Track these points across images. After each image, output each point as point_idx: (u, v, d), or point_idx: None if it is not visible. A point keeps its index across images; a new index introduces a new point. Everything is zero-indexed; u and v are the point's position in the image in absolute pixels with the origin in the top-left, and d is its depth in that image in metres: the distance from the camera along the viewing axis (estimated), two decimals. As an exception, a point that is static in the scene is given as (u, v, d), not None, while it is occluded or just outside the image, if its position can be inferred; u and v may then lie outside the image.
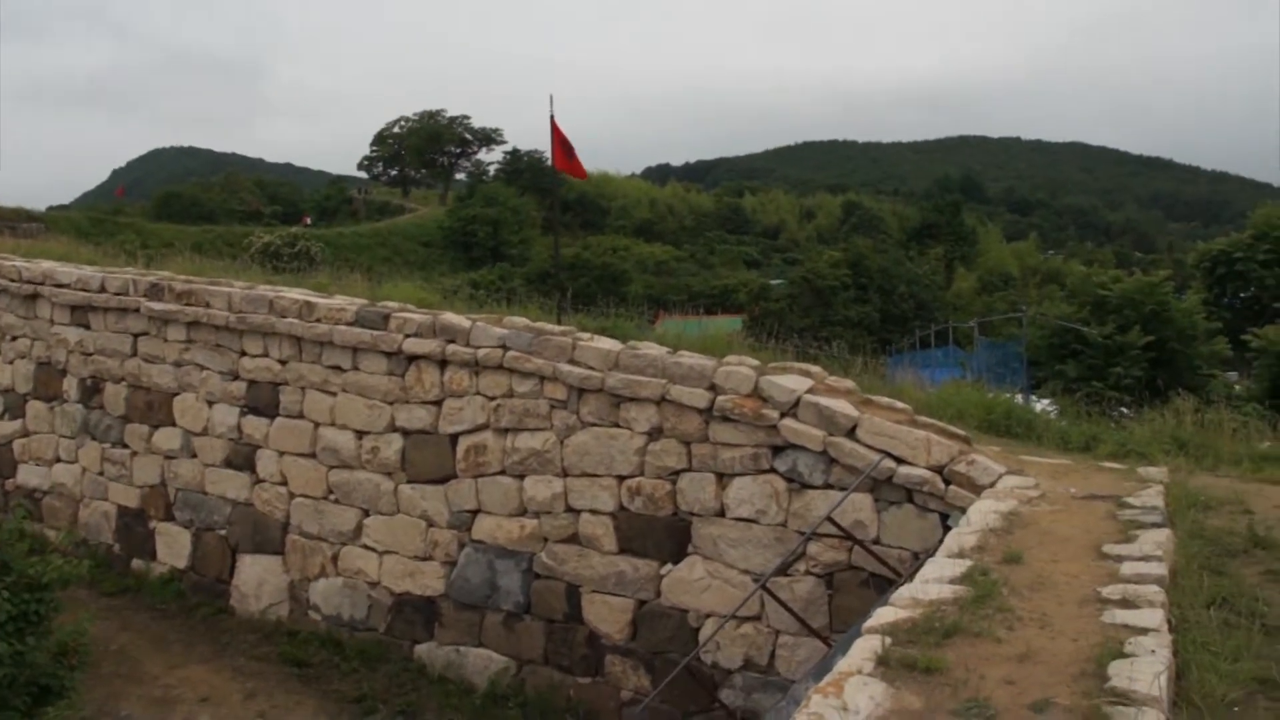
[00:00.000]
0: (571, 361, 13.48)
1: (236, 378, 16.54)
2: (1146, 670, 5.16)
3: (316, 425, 15.76)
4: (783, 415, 11.96)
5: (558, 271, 29.81)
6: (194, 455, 17.01)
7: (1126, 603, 6.39)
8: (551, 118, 17.56)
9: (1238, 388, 25.69)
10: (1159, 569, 7.04)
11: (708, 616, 12.60)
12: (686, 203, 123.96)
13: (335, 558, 15.62)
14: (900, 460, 11.19)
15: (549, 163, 20.44)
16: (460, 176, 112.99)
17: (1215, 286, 31.23)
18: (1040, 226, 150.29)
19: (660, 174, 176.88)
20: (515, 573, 14.05)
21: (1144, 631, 5.83)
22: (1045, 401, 20.03)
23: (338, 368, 15.51)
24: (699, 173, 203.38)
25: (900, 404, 12.07)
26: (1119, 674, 5.19)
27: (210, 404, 16.82)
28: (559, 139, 17.54)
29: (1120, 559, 7.41)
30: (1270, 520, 9.33)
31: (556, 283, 22.81)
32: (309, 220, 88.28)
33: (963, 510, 9.85)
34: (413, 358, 14.79)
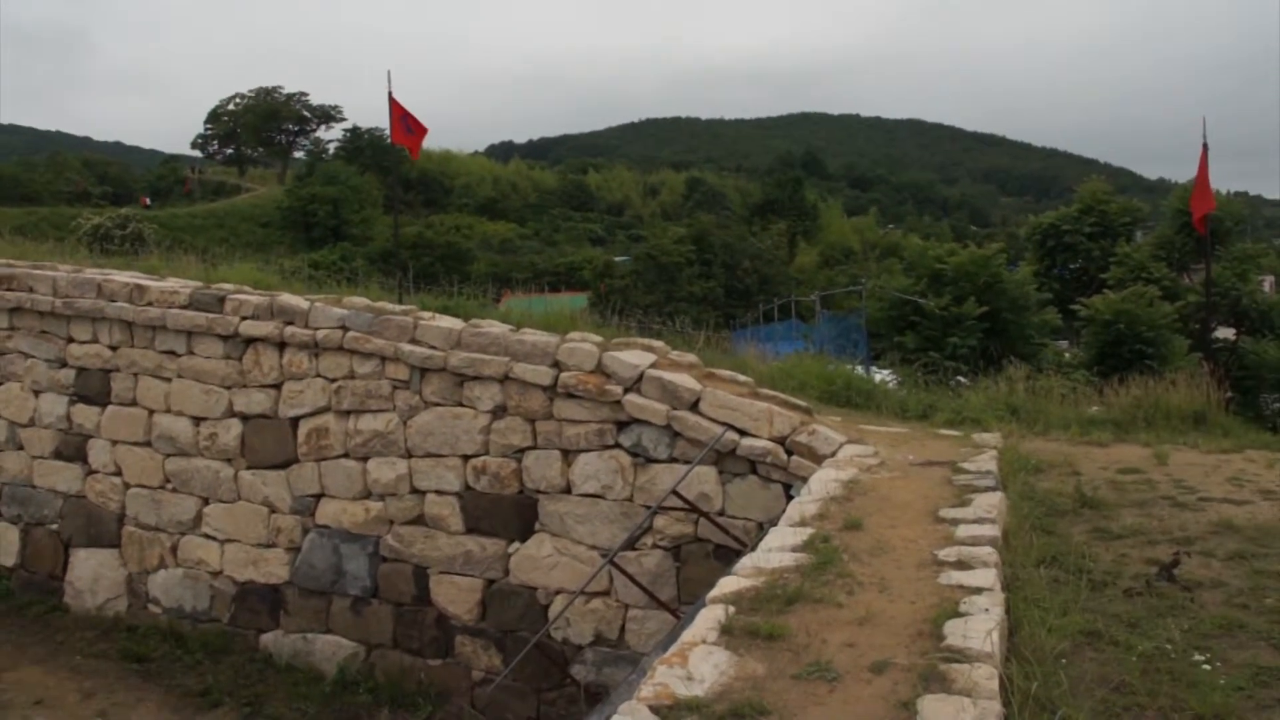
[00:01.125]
0: (413, 341, 13.34)
1: (64, 365, 15.96)
2: (980, 628, 5.31)
3: (151, 412, 15.33)
4: (626, 391, 12.02)
5: (399, 250, 29.37)
6: (20, 447, 16.39)
7: (961, 564, 6.56)
8: (390, 93, 17.33)
9: (1067, 355, 26.51)
10: (992, 531, 7.26)
11: (557, 593, 12.61)
12: (530, 180, 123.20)
13: (175, 548, 15.22)
14: (743, 432, 11.33)
15: (390, 140, 20.18)
16: (299, 155, 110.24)
17: (1046, 258, 32.04)
18: (879, 201, 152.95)
19: (503, 151, 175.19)
20: (361, 556, 13.87)
21: (978, 591, 6.00)
22: (885, 372, 20.44)
23: (172, 352, 15.10)
24: (542, 150, 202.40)
25: (743, 377, 12.21)
26: (954, 633, 5.33)
27: (37, 393, 16.22)
28: (399, 114, 17.32)
29: (956, 522, 7.61)
30: (1097, 481, 9.71)
31: (398, 262, 22.48)
32: (148, 201, 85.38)
33: (804, 480, 10.00)
34: (250, 340, 14.49)
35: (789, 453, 11.09)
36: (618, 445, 12.25)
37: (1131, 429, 12.67)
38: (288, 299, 14.46)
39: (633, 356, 12.24)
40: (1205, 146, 17.59)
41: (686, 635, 5.63)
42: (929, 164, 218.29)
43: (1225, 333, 27.21)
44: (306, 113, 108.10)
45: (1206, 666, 5.59)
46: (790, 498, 10.37)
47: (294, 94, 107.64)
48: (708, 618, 5.81)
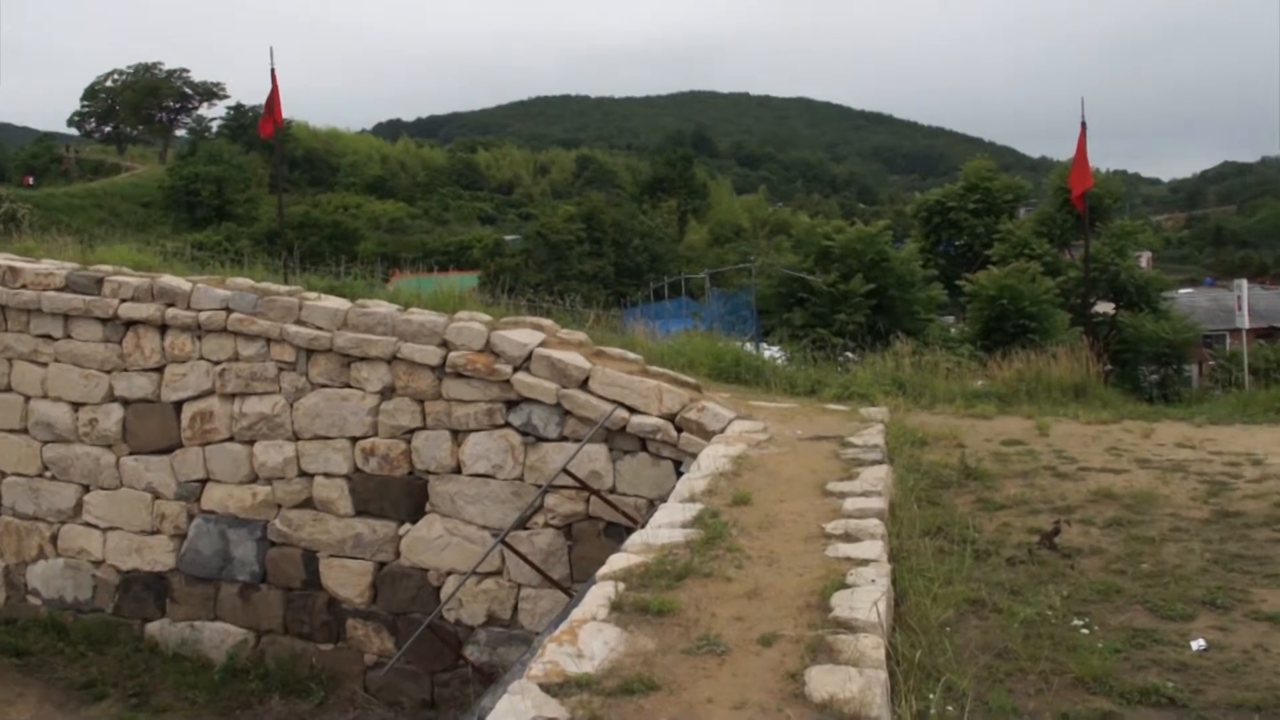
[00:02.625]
0: (299, 322, 13.15)
1: (-67, 351, 15.43)
2: (866, 599, 5.36)
3: (27, 398, 14.92)
4: (515, 370, 11.98)
5: (284, 230, 28.87)
6: (-111, 436, 15.82)
7: (849, 537, 6.62)
8: (273, 71, 17.02)
9: (953, 331, 26.97)
10: (879, 503, 7.33)
11: (449, 574, 12.54)
12: (419, 159, 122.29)
13: (54, 538, 14.85)
14: (633, 410, 11.36)
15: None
16: (181, 133, 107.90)
17: (931, 235, 32.53)
18: (769, 179, 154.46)
19: (391, 130, 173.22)
20: (249, 542, 13.65)
21: (865, 563, 6.06)
22: (774, 348, 20.58)
23: (48, 336, 14.71)
24: (431, 128, 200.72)
25: (632, 355, 12.23)
26: (841, 604, 5.38)
27: (-95, 379, 15.66)
28: (276, 94, 17.04)
29: (843, 495, 7.67)
30: (981, 453, 9.89)
31: (284, 242, 22.08)
32: (30, 180, 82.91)
33: (694, 456, 10.04)
34: (130, 323, 14.17)
35: (679, 429, 11.14)
36: (508, 424, 12.21)
37: (1014, 402, 12.94)
38: (169, 280, 14.15)
39: (522, 335, 12.19)
40: (1084, 126, 17.97)
41: (576, 613, 5.62)
42: (817, 142, 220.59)
43: (1104, 307, 27.90)
44: (188, 90, 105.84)
45: (1085, 631, 5.73)
46: (680, 474, 10.40)
47: (175, 70, 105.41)
48: (598, 595, 5.80)
